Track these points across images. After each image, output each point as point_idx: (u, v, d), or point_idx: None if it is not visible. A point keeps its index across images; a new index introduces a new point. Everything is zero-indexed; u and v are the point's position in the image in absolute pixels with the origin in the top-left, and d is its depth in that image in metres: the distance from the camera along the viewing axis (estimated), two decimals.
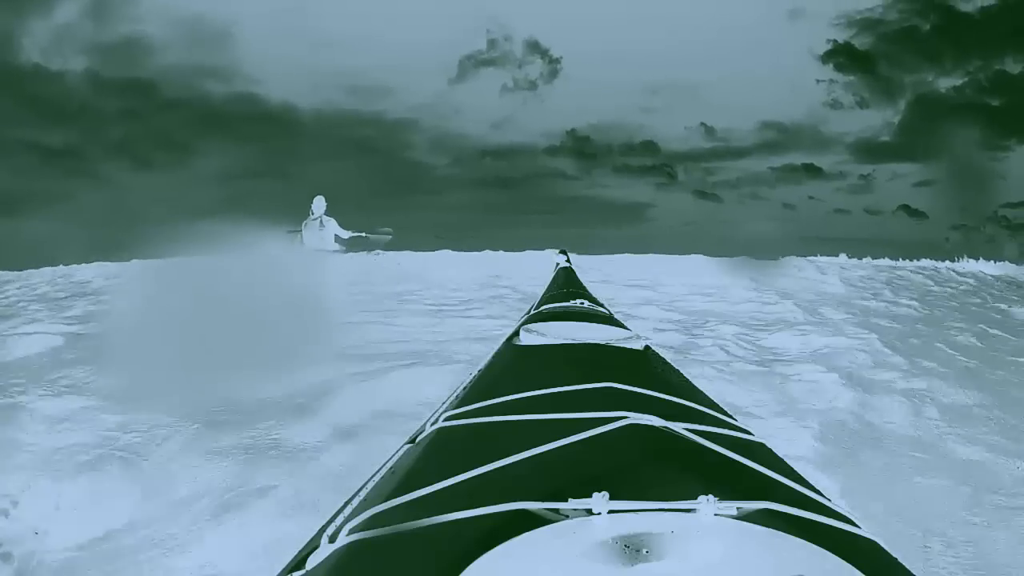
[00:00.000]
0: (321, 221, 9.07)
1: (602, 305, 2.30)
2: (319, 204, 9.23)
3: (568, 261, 3.50)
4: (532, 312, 2.21)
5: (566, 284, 2.90)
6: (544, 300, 2.42)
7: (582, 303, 2.20)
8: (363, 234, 9.51)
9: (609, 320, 1.98)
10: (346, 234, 9.30)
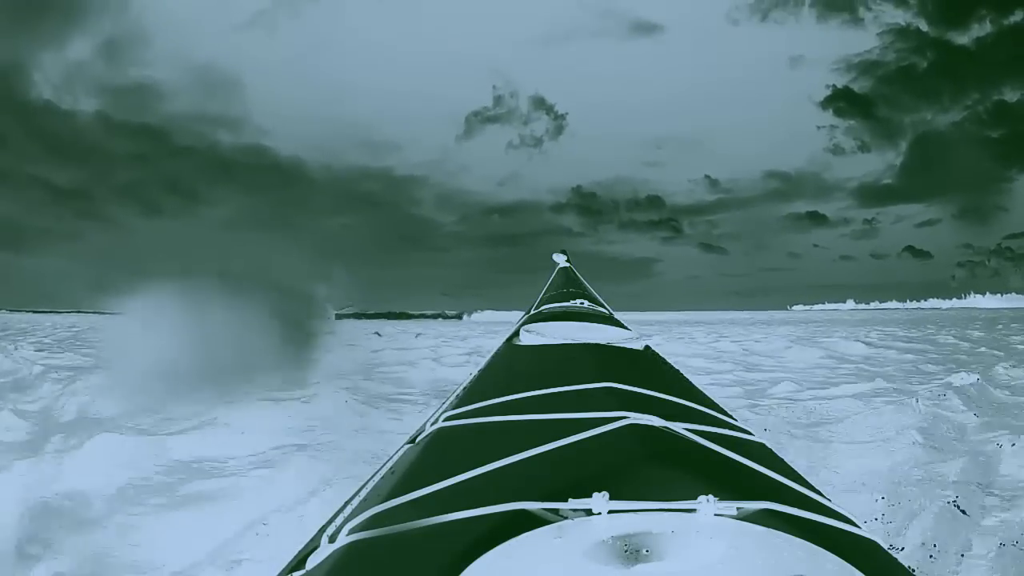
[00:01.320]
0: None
1: (602, 305, 2.30)
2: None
3: (568, 261, 3.50)
4: (532, 312, 2.21)
5: (566, 284, 2.90)
6: (544, 300, 2.42)
7: (582, 303, 2.20)
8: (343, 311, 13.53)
9: (609, 320, 1.98)
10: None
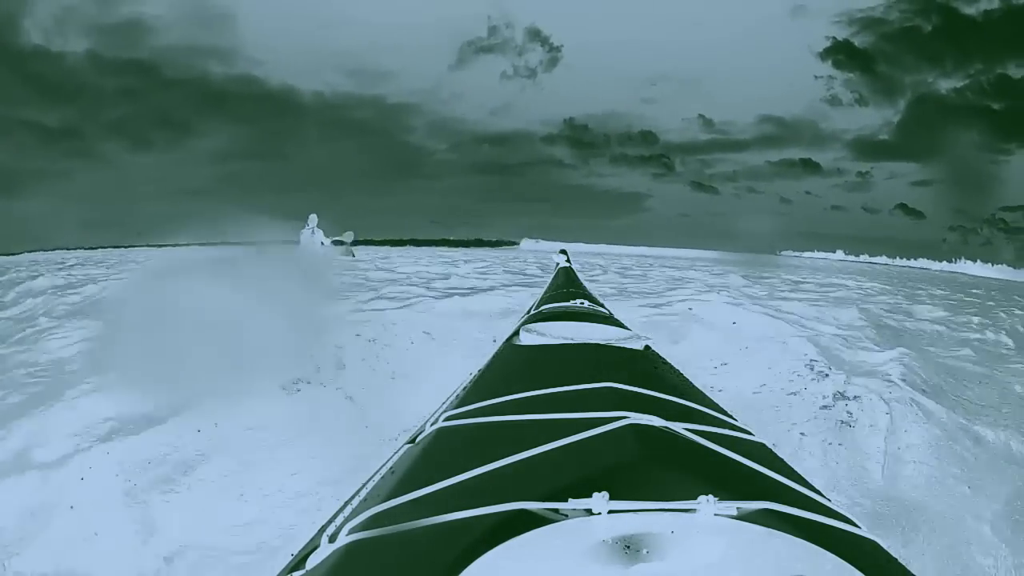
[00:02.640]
0: (313, 230, 12.47)
1: (602, 305, 2.30)
2: (313, 219, 12.60)
3: (568, 261, 3.50)
4: (532, 312, 2.21)
5: (566, 284, 2.90)
6: (544, 300, 2.42)
7: (582, 303, 2.20)
8: (339, 239, 13.04)
9: (609, 320, 1.98)
10: (327, 240, 12.94)
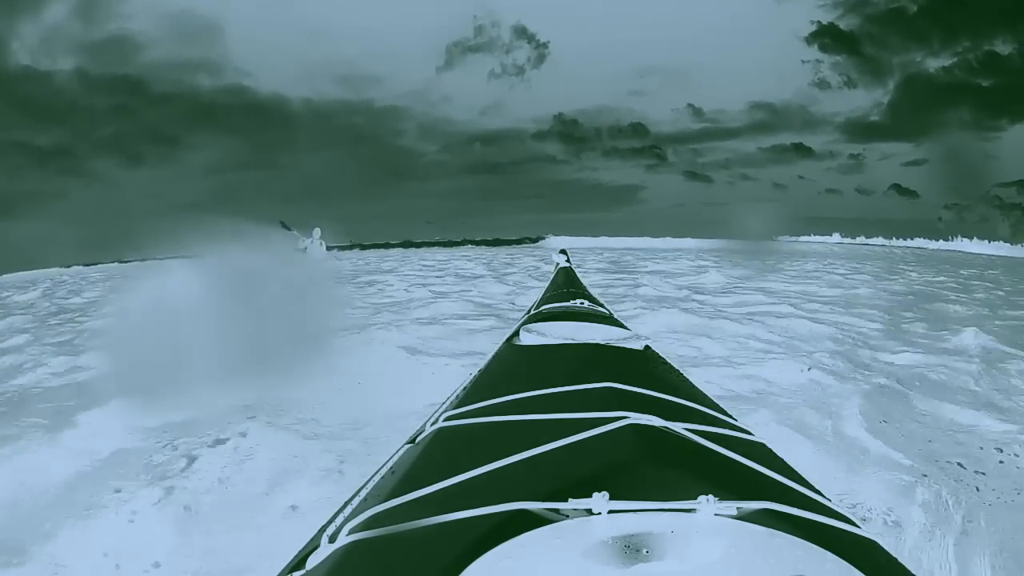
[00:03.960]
0: (320, 242, 14.65)
1: (602, 305, 2.30)
2: (317, 231, 14.89)
3: (568, 261, 3.50)
4: (532, 312, 2.21)
5: (566, 284, 2.89)
6: (544, 300, 2.42)
7: (582, 303, 2.20)
8: (332, 247, 15.18)
9: (609, 320, 1.98)
10: (325, 247, 15.68)
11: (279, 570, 0.82)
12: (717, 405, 1.23)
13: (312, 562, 0.77)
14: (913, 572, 0.75)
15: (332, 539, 0.78)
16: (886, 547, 0.80)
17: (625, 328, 1.80)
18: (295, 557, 0.84)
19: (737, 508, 0.73)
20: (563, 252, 3.61)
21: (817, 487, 0.92)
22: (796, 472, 0.98)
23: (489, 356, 1.58)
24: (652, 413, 0.99)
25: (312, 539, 0.86)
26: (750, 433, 1.10)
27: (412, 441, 1.09)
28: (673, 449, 0.94)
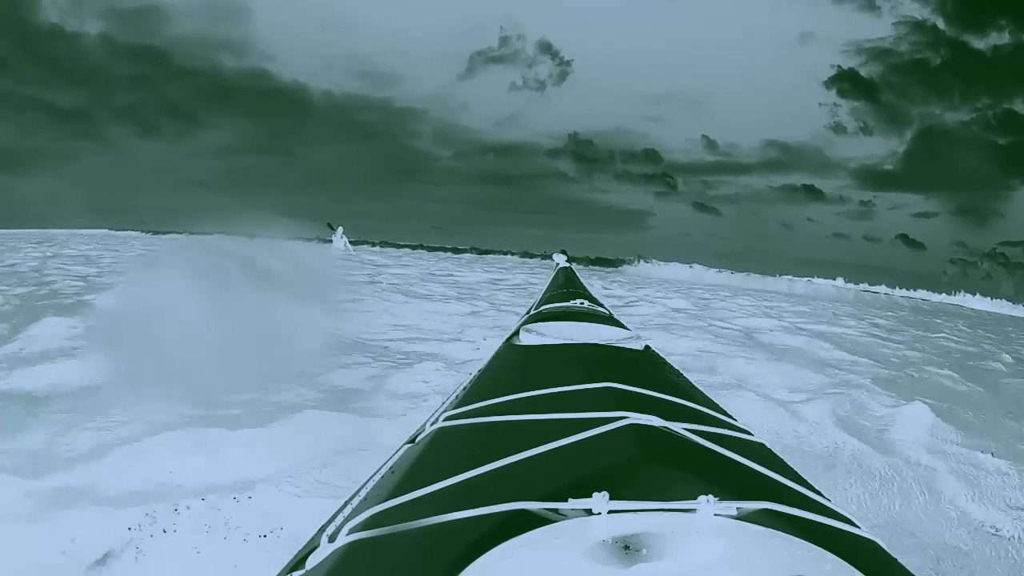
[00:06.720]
0: (343, 239, 18.86)
1: (602, 305, 2.30)
2: (340, 229, 19.46)
3: (568, 261, 3.50)
4: (532, 312, 2.21)
5: (566, 284, 2.90)
6: (544, 300, 2.42)
7: (582, 303, 2.20)
8: (349, 241, 20.27)
9: (609, 320, 1.98)
10: (347, 242, 20.09)
11: (279, 570, 0.82)
12: (717, 405, 1.23)
13: (312, 562, 0.77)
14: (913, 572, 0.75)
15: (332, 539, 0.78)
16: (886, 547, 0.80)
17: (625, 328, 1.80)
18: (295, 557, 0.84)
19: (737, 508, 0.73)
20: (563, 252, 3.62)
21: (817, 487, 0.92)
22: (796, 472, 0.98)
23: (489, 356, 1.58)
24: (652, 413, 0.99)
25: (312, 539, 0.86)
26: (750, 433, 1.10)
27: (412, 441, 1.09)
28: (673, 449, 0.94)
